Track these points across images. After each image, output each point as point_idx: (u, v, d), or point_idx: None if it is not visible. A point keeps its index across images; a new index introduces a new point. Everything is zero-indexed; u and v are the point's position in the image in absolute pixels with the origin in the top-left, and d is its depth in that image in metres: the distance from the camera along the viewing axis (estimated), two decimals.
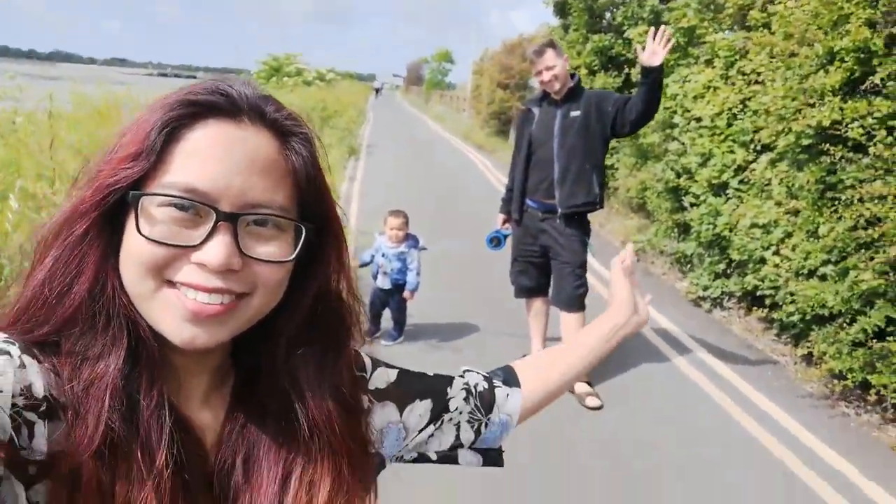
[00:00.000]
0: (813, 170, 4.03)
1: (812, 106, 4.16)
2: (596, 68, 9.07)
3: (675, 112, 6.13)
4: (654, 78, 3.17)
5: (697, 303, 5.22)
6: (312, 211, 0.59)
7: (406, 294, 4.03)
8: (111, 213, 0.54)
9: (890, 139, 3.56)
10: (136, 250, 0.52)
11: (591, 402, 3.45)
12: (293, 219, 0.57)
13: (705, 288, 5.18)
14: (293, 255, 0.57)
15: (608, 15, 9.86)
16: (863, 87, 3.75)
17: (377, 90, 55.01)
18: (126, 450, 0.52)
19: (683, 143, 6.01)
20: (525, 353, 3.88)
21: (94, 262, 0.54)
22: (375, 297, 4.14)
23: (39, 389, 0.50)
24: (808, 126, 4.09)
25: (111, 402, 0.52)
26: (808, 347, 3.83)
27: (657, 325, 4.69)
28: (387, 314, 4.18)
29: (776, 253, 4.34)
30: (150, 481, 0.52)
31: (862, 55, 3.86)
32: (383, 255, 4.02)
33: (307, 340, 0.62)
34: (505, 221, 3.86)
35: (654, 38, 3.14)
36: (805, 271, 3.98)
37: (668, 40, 3.13)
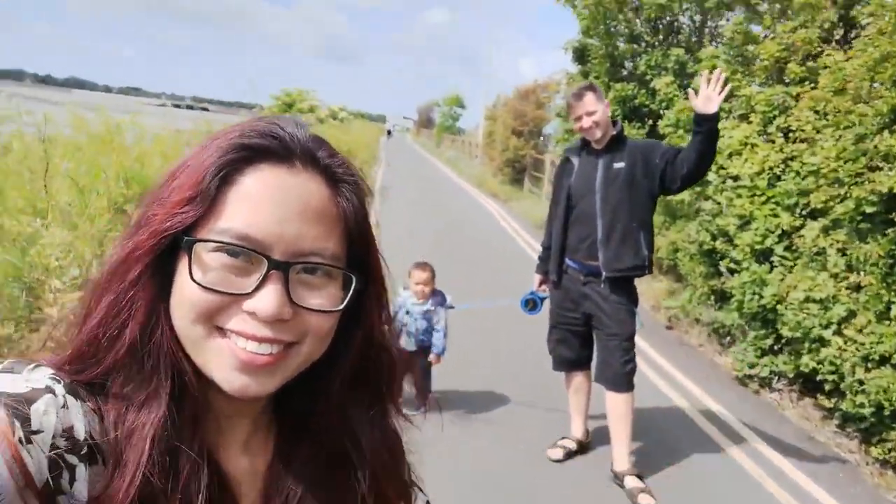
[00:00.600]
0: (881, 241, 3.63)
1: (876, 170, 3.80)
2: (618, 118, 8.79)
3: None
4: (710, 128, 2.82)
5: (744, 381, 4.75)
6: (360, 259, 0.59)
7: (432, 357, 3.62)
8: (163, 255, 0.53)
9: None
10: (188, 296, 0.52)
11: (645, 500, 2.97)
12: (344, 268, 0.57)
13: (752, 366, 4.72)
14: (343, 305, 0.56)
15: (629, 64, 9.65)
16: None
17: (389, 132, 55.77)
18: (162, 502, 0.51)
19: (719, 203, 5.63)
20: (564, 432, 3.45)
21: (145, 305, 0.53)
22: None
23: (81, 431, 0.49)
24: (873, 192, 3.72)
25: (151, 451, 0.50)
26: (889, 449, 3.35)
27: (705, 407, 4.22)
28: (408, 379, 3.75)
29: (838, 332, 3.90)
30: None
31: None
32: (407, 313, 3.61)
33: (357, 391, 0.62)
34: (542, 282, 3.46)
35: (707, 83, 2.80)
36: (876, 357, 3.54)
37: (725, 84, 2.79)
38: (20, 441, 0.44)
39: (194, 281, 0.51)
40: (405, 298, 3.64)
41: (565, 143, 10.93)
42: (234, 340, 0.52)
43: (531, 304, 3.50)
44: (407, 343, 3.61)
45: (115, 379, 0.53)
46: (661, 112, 7.59)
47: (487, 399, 3.97)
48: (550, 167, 13.47)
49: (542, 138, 16.99)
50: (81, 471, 0.47)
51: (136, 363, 0.53)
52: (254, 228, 0.51)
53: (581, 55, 10.29)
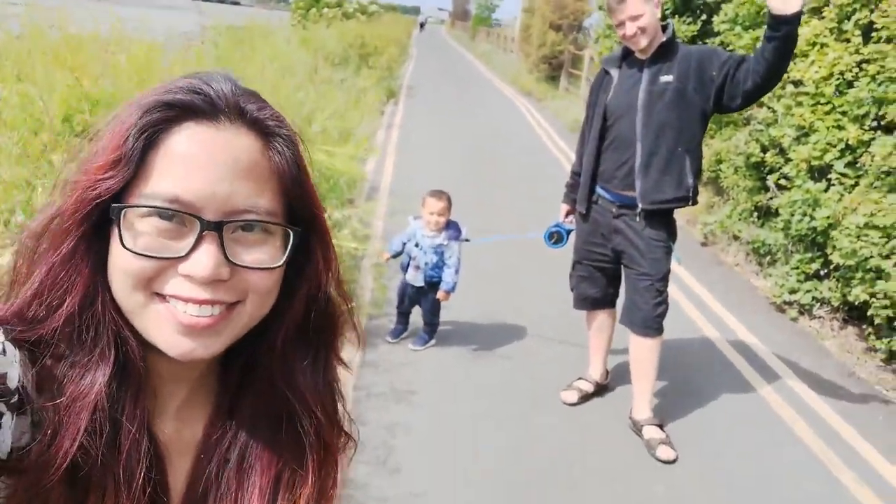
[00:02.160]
0: None
1: None
2: (668, 12, 7.95)
3: None
4: (788, 32, 2.32)
5: (781, 308, 4.43)
6: (299, 212, 0.58)
7: (440, 294, 3.37)
8: (96, 223, 0.53)
9: None
10: (122, 264, 0.52)
11: (664, 453, 2.78)
12: (280, 223, 0.56)
13: (792, 291, 4.38)
14: (282, 261, 0.56)
15: None
16: None
17: (422, 24, 53.53)
18: (101, 473, 0.51)
19: (774, 111, 5.07)
20: (580, 373, 3.23)
21: (84, 277, 0.53)
22: (404, 293, 3.50)
23: (14, 380, 0.48)
24: None
25: (90, 422, 0.51)
26: None
27: (735, 338, 3.95)
28: (417, 311, 3.55)
29: None
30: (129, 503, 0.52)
31: None
32: (417, 246, 3.34)
33: (301, 343, 0.62)
34: (568, 213, 3.12)
35: None
36: None
37: None
38: None
39: (126, 248, 0.51)
40: (415, 229, 3.34)
41: (606, 39, 10.08)
42: (175, 305, 0.52)
43: (556, 237, 3.16)
44: (414, 277, 3.37)
45: (56, 344, 0.52)
46: (718, 5, 6.79)
47: (501, 332, 3.75)
48: (589, 63, 12.58)
49: (581, 33, 15.84)
50: (7, 419, 0.47)
51: (76, 333, 0.52)
52: (183, 190, 0.51)
53: None
